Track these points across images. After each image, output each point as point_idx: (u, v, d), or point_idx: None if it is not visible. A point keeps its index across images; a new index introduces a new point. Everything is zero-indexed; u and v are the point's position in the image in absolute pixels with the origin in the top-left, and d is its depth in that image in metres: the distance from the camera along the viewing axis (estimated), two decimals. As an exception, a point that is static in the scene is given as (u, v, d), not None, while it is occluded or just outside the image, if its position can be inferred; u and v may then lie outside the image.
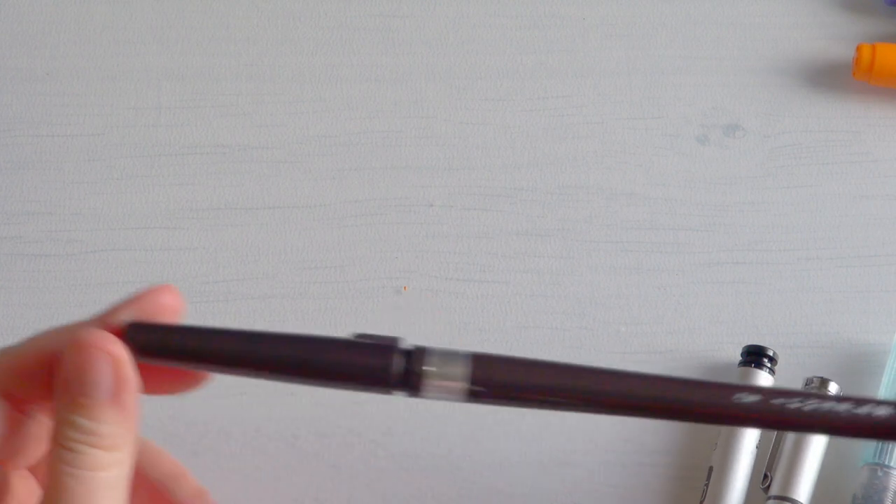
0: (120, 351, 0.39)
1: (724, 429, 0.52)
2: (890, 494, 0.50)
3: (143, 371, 0.40)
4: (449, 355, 0.41)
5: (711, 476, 0.52)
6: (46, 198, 0.59)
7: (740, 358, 0.54)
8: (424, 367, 0.41)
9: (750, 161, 0.59)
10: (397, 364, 0.41)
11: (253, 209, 0.58)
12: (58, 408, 0.39)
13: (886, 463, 0.51)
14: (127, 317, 0.40)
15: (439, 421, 0.54)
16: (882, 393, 0.53)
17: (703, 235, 0.58)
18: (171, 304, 0.41)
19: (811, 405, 0.41)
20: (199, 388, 0.42)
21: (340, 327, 0.56)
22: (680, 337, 0.55)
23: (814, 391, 0.52)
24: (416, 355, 0.41)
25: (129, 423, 0.39)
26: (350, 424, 0.54)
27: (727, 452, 0.52)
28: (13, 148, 0.60)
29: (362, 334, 0.41)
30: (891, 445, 0.51)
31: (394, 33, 0.62)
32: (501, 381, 0.41)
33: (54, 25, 0.62)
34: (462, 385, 0.41)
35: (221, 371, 0.41)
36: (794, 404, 0.40)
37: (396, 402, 0.54)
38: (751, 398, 0.41)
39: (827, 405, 0.41)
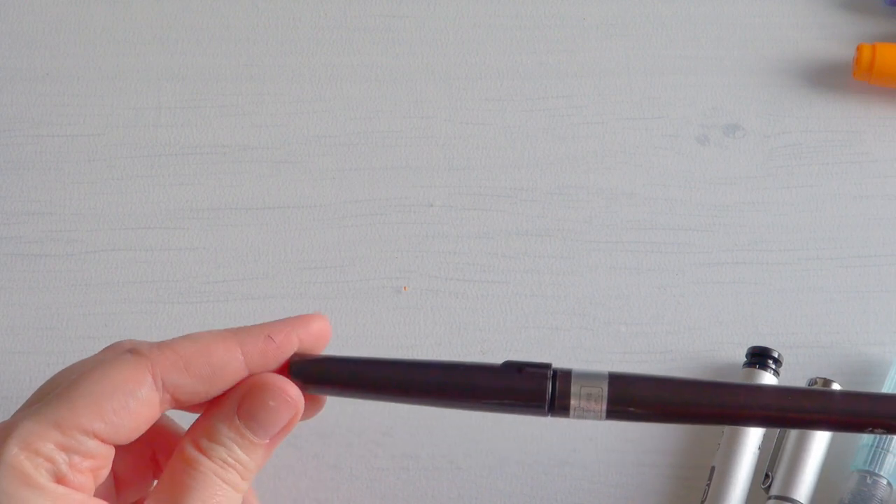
0: (301, 406, 0.43)
1: (727, 429, 0.52)
2: (877, 502, 0.50)
3: None
4: (590, 377, 0.44)
5: (713, 476, 0.52)
6: (46, 198, 0.59)
7: (745, 359, 0.54)
8: (571, 390, 0.43)
9: (750, 161, 0.59)
10: (549, 388, 0.43)
11: (253, 209, 0.58)
12: (220, 427, 0.42)
13: (876, 471, 0.51)
14: (285, 340, 0.43)
15: (439, 421, 0.54)
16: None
17: (703, 235, 0.58)
18: (322, 330, 0.45)
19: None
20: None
21: (340, 327, 0.56)
22: (680, 337, 0.55)
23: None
24: (562, 379, 0.44)
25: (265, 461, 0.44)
26: (350, 424, 0.54)
27: (730, 452, 0.52)
28: (13, 148, 0.60)
29: (511, 361, 0.44)
30: (882, 454, 0.51)
31: (394, 33, 0.62)
32: (638, 400, 0.44)
33: (54, 25, 0.62)
34: (602, 406, 0.43)
35: (378, 398, 0.45)
36: None
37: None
38: None
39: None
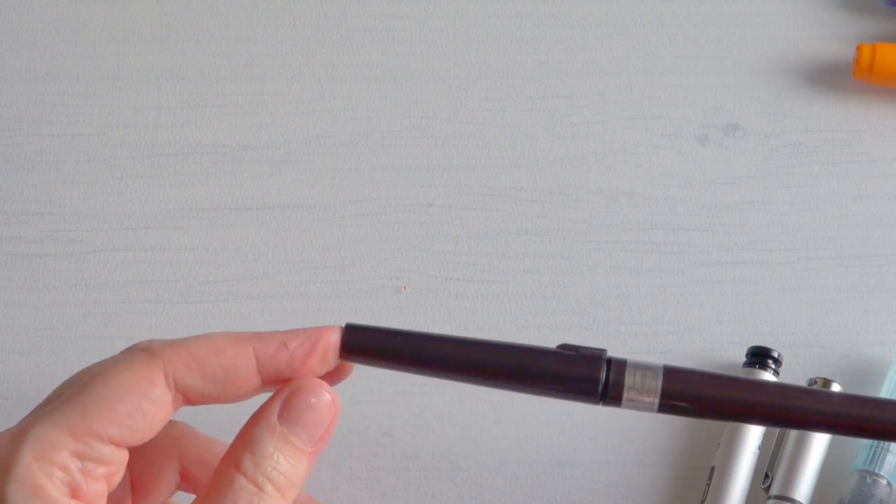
0: (338, 406, 0.43)
1: (727, 428, 0.52)
2: (877, 502, 0.50)
3: None
4: (645, 368, 0.43)
5: (713, 476, 0.52)
6: (46, 198, 0.59)
7: (745, 359, 0.54)
8: (625, 380, 0.42)
9: (750, 161, 0.59)
10: (603, 376, 0.42)
11: (253, 209, 0.58)
12: (262, 437, 0.41)
13: (876, 471, 0.51)
14: (299, 348, 0.43)
15: (439, 421, 0.54)
16: (884, 394, 0.53)
17: (703, 235, 0.58)
18: (337, 343, 0.43)
19: None
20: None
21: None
22: (680, 337, 0.55)
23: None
24: (616, 368, 0.43)
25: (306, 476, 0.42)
26: (350, 424, 0.54)
27: (730, 452, 0.52)
28: (13, 148, 0.60)
29: (566, 345, 0.43)
30: (882, 454, 0.51)
31: (394, 33, 0.62)
32: (692, 395, 0.43)
33: (54, 25, 0.62)
34: (655, 399, 0.42)
35: (428, 373, 0.43)
36: None
37: (396, 403, 0.54)
38: None
39: None
